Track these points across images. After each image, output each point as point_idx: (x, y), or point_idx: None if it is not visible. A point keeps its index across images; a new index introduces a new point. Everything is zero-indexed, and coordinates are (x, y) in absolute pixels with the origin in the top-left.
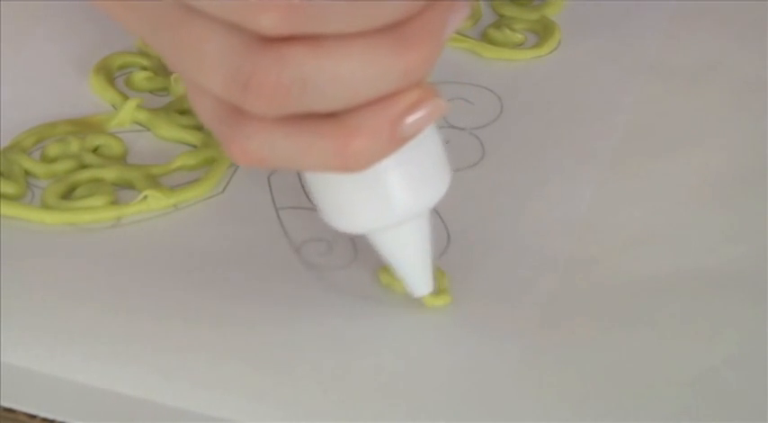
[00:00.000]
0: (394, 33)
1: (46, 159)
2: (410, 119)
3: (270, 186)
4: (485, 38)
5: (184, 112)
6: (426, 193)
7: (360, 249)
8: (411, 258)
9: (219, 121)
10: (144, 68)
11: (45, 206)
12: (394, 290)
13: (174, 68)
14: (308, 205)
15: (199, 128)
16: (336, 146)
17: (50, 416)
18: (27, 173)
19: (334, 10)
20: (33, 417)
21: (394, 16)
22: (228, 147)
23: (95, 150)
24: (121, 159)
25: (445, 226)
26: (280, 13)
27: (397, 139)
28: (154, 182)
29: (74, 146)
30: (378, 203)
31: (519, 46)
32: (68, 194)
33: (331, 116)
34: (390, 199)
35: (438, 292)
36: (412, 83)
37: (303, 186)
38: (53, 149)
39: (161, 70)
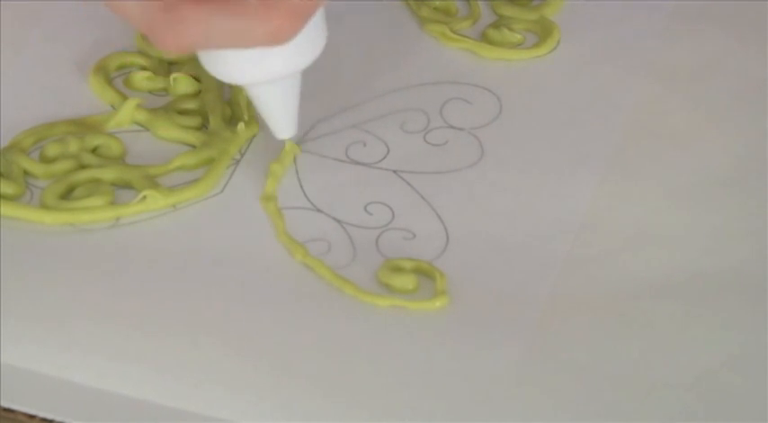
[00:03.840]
0: None
1: (45, 159)
2: None
3: None
4: (484, 38)
5: (183, 112)
6: (300, 56)
7: (359, 249)
8: (280, 110)
9: (151, 14)
10: (143, 68)
11: (44, 206)
12: (393, 289)
13: None
14: (308, 205)
15: (198, 128)
16: (267, 26)
17: (50, 416)
18: (26, 173)
19: None
20: (33, 417)
21: None
22: (163, 35)
23: (94, 150)
24: (120, 159)
25: (444, 226)
26: None
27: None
28: (153, 182)
29: (73, 146)
30: (256, 62)
31: (518, 46)
32: (67, 194)
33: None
34: (268, 60)
35: (436, 293)
36: None
37: (302, 187)
38: (52, 149)
39: (160, 70)
